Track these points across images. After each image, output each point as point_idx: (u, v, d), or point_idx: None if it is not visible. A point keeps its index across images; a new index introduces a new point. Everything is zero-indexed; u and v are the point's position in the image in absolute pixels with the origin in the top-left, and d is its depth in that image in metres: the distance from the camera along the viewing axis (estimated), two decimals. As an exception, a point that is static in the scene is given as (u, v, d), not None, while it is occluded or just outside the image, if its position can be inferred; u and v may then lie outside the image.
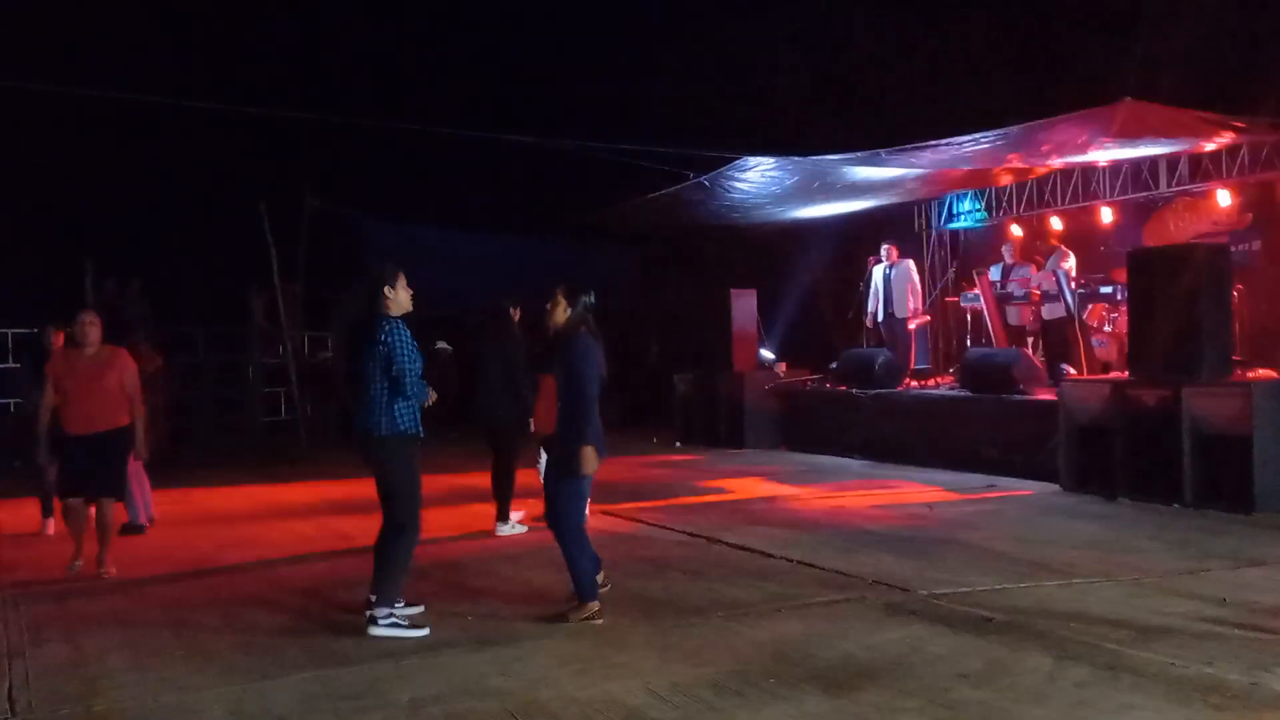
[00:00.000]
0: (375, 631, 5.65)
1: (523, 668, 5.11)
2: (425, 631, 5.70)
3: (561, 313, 6.02)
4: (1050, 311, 13.19)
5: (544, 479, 6.35)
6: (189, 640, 5.76)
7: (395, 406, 5.82)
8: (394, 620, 5.71)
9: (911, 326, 14.72)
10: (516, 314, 8.85)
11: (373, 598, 5.80)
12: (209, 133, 15.32)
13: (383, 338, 5.79)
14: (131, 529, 9.05)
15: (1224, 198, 13.38)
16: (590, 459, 5.82)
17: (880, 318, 14.88)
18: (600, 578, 6.15)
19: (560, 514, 5.95)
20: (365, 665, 5.21)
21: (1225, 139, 12.03)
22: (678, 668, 5.05)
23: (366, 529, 8.91)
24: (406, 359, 5.81)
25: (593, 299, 6.08)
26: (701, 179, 13.62)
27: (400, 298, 5.92)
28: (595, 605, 5.93)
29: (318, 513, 10.11)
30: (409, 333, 5.89)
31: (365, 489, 11.52)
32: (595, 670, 5.05)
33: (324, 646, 5.56)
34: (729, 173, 13.38)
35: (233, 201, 16.55)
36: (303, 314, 17.97)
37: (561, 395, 6.02)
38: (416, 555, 6.20)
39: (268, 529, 9.26)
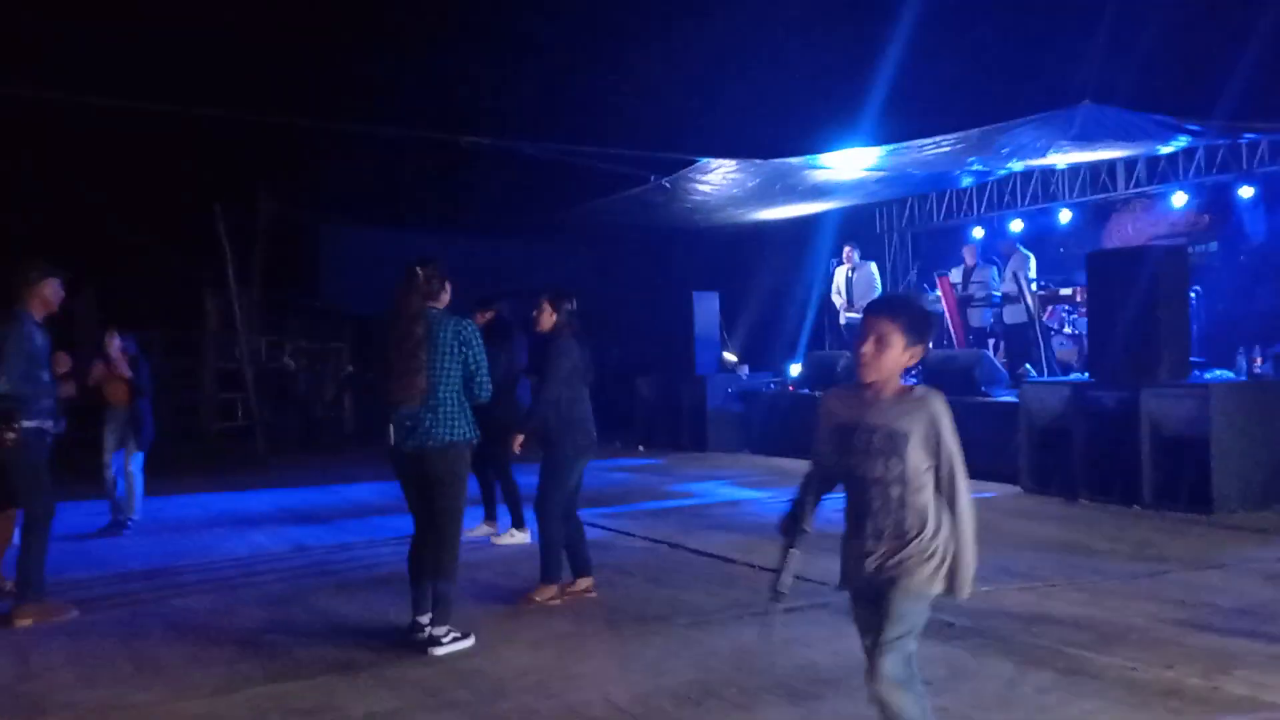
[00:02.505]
0: (440, 652, 5.41)
1: (482, 679, 5.03)
2: (472, 640, 5.57)
3: (548, 318, 6.47)
4: (1011, 314, 13.25)
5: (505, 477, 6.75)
6: (139, 653, 5.63)
7: (465, 409, 5.63)
8: (454, 636, 5.52)
9: (843, 322, 14.78)
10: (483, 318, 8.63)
11: (423, 620, 5.61)
12: (162, 135, 15.08)
13: (464, 334, 5.59)
14: (116, 527, 9.34)
15: (1181, 200, 13.52)
16: (515, 443, 6.52)
17: (842, 319, 14.91)
18: (590, 584, 6.54)
19: (546, 501, 6.38)
20: (319, 679, 5.10)
21: (1181, 142, 12.14)
22: (638, 678, 4.98)
23: (323, 539, 8.86)
24: (485, 357, 5.67)
25: (574, 305, 6.50)
26: (663, 181, 13.58)
27: (447, 294, 5.77)
28: (554, 589, 6.39)
29: (274, 522, 9.96)
30: None
31: (323, 498, 11.44)
32: (555, 681, 4.97)
33: (277, 659, 5.44)
34: (690, 175, 13.35)
35: (187, 205, 16.30)
36: (258, 318, 17.74)
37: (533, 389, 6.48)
38: (380, 563, 6.14)
39: (222, 539, 9.10)
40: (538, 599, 6.37)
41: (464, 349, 5.57)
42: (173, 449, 9.93)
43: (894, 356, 3.33)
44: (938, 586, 3.37)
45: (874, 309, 3.43)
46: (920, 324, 3.38)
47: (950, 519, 3.34)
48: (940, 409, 3.31)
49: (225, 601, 6.79)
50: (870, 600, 3.41)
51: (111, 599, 6.94)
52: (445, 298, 5.72)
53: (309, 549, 8.52)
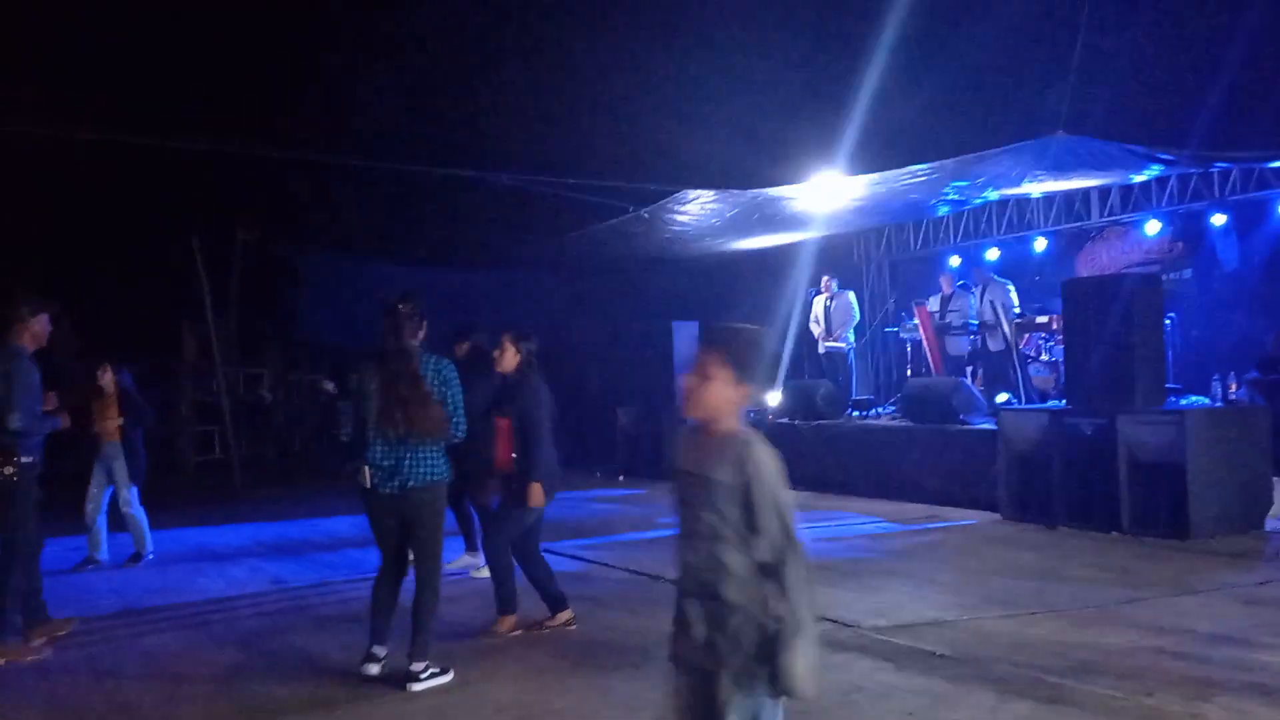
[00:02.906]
0: (418, 688, 5.37)
1: (461, 716, 4.98)
2: (451, 675, 5.53)
3: (511, 358, 6.51)
4: (995, 342, 13.32)
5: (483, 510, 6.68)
6: (112, 694, 5.56)
7: (441, 448, 5.59)
8: (432, 671, 5.49)
9: (822, 351, 14.85)
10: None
11: (378, 651, 5.59)
12: (140, 165, 15.03)
13: (444, 373, 5.58)
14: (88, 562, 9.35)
15: (1154, 228, 13.66)
16: (537, 494, 6.29)
17: (821, 348, 14.97)
18: (568, 617, 6.53)
19: (498, 535, 6.44)
20: (298, 716, 5.05)
21: (1154, 171, 12.28)
22: (618, 712, 4.95)
23: (300, 574, 8.79)
24: (462, 397, 5.64)
25: (535, 344, 6.57)
26: (642, 212, 13.61)
27: (424, 330, 5.75)
28: (513, 619, 6.41)
29: (251, 556, 9.87)
30: None
31: (300, 531, 11.34)
32: (535, 717, 4.94)
33: (254, 698, 5.38)
34: (669, 205, 13.39)
35: (164, 235, 16.23)
36: (236, 350, 17.66)
37: (515, 435, 6.41)
38: (357, 598, 6.11)
39: (198, 574, 9.01)
40: (501, 631, 6.36)
41: (444, 388, 5.56)
42: (149, 482, 9.85)
43: (717, 392, 2.92)
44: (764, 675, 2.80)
45: (702, 339, 3.10)
46: (745, 358, 2.94)
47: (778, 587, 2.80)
48: (754, 455, 2.85)
49: (200, 638, 6.71)
50: (692, 680, 2.88)
51: (84, 636, 6.83)
52: (421, 334, 5.70)
53: (286, 584, 8.44)
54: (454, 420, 5.57)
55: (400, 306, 5.55)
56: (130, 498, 9.40)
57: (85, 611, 7.53)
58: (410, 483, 5.48)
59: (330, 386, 17.48)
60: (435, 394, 5.51)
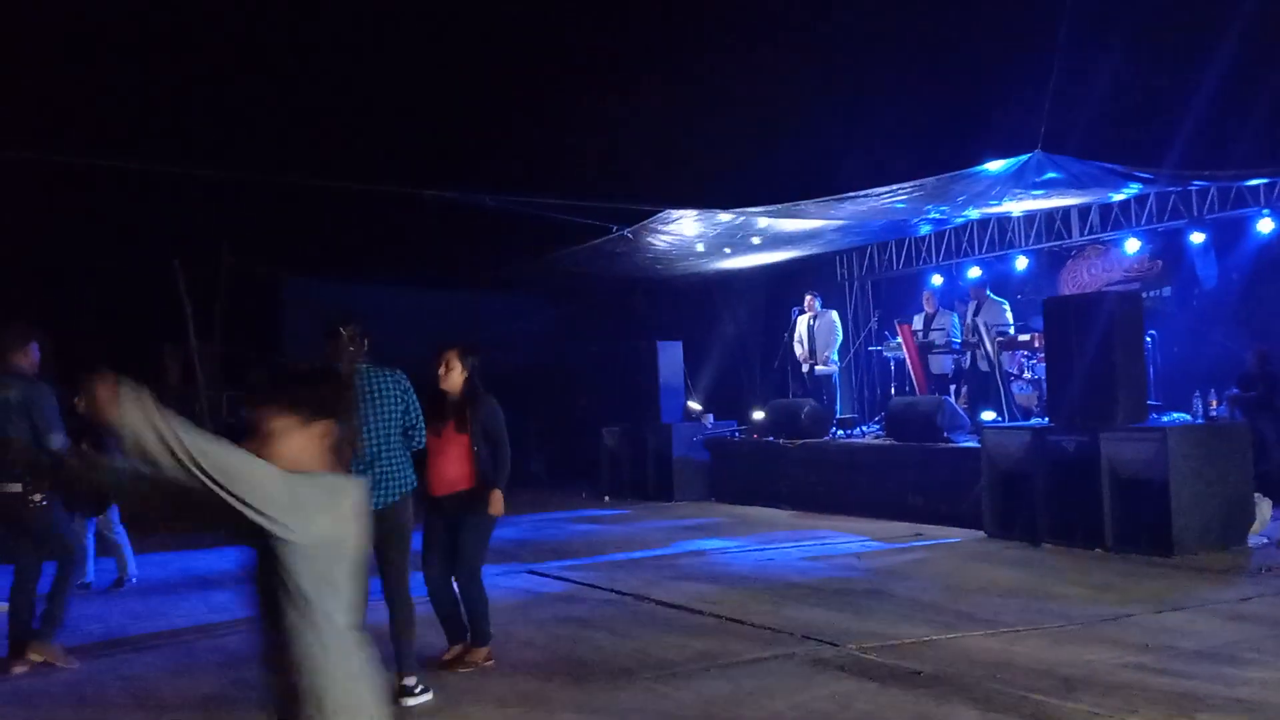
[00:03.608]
0: (412, 703, 5.35)
1: (445, 738, 4.97)
2: (431, 695, 5.52)
3: (459, 375, 6.17)
4: (978, 361, 13.36)
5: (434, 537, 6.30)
6: (94, 720, 5.53)
7: (408, 459, 5.65)
8: (423, 687, 5.48)
9: (806, 370, 14.90)
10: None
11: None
12: (121, 188, 15.01)
13: (404, 383, 5.65)
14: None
15: (1134, 246, 13.77)
16: (498, 500, 6.16)
17: (805, 368, 15.01)
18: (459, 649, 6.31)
19: (473, 561, 6.20)
20: (280, 741, 5.01)
21: (1133, 190, 12.38)
22: (604, 734, 4.94)
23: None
24: (420, 408, 5.71)
25: (479, 358, 6.37)
26: (624, 231, 13.66)
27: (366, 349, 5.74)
28: (487, 649, 6.22)
29: (235, 580, 9.79)
30: None
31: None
32: (520, 739, 4.92)
33: (238, 722, 5.36)
34: (652, 225, 13.44)
35: (147, 259, 16.19)
36: (220, 373, 17.58)
37: (480, 453, 6.16)
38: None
39: (182, 598, 8.95)
40: (477, 661, 6.16)
41: (405, 397, 5.63)
42: (132, 506, 9.80)
43: (288, 445, 2.59)
44: None
45: (250, 397, 2.74)
46: (304, 395, 2.63)
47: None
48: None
49: (185, 662, 6.67)
50: None
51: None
52: (363, 354, 5.67)
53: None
54: (418, 428, 5.69)
55: (341, 330, 5.55)
56: (110, 519, 9.34)
57: (68, 637, 7.47)
58: (383, 498, 5.45)
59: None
60: (399, 404, 5.58)
